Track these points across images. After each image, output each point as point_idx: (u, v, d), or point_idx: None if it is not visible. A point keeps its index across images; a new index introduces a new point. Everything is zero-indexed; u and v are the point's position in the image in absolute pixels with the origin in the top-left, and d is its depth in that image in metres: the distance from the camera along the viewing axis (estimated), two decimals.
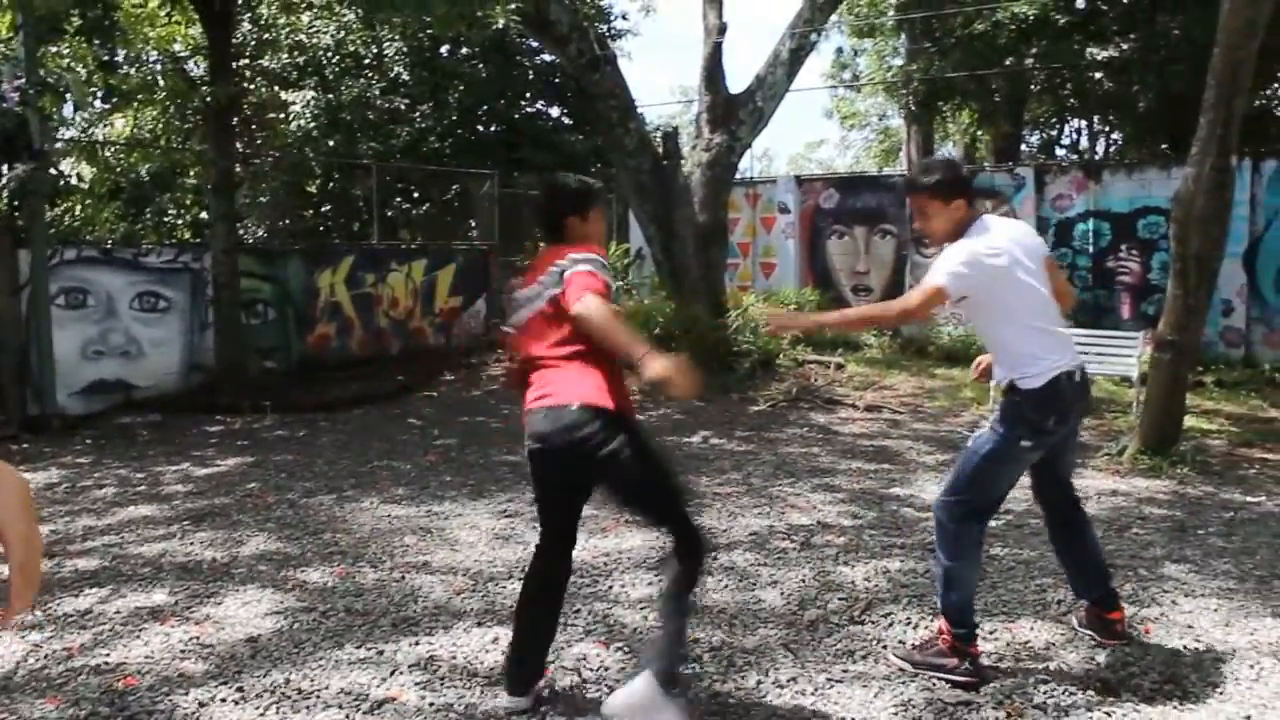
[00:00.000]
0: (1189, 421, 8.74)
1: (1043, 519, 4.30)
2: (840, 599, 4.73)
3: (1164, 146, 15.04)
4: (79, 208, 13.91)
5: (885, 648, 4.13)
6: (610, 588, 4.86)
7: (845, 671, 3.92)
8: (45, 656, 4.17)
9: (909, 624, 4.39)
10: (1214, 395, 11.02)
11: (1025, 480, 7.15)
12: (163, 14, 12.93)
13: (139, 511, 6.59)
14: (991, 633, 4.27)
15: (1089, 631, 4.20)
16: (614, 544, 5.59)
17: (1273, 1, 7.47)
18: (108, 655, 4.17)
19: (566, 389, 3.38)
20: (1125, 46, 15.69)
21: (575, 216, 3.62)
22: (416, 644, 4.23)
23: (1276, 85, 15.84)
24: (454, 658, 4.08)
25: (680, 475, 3.72)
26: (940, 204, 3.87)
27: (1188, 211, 7.64)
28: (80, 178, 14.42)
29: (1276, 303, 12.38)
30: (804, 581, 4.99)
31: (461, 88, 18.89)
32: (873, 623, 4.43)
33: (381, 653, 4.14)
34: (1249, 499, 6.76)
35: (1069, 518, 4.16)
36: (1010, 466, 3.88)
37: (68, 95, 10.30)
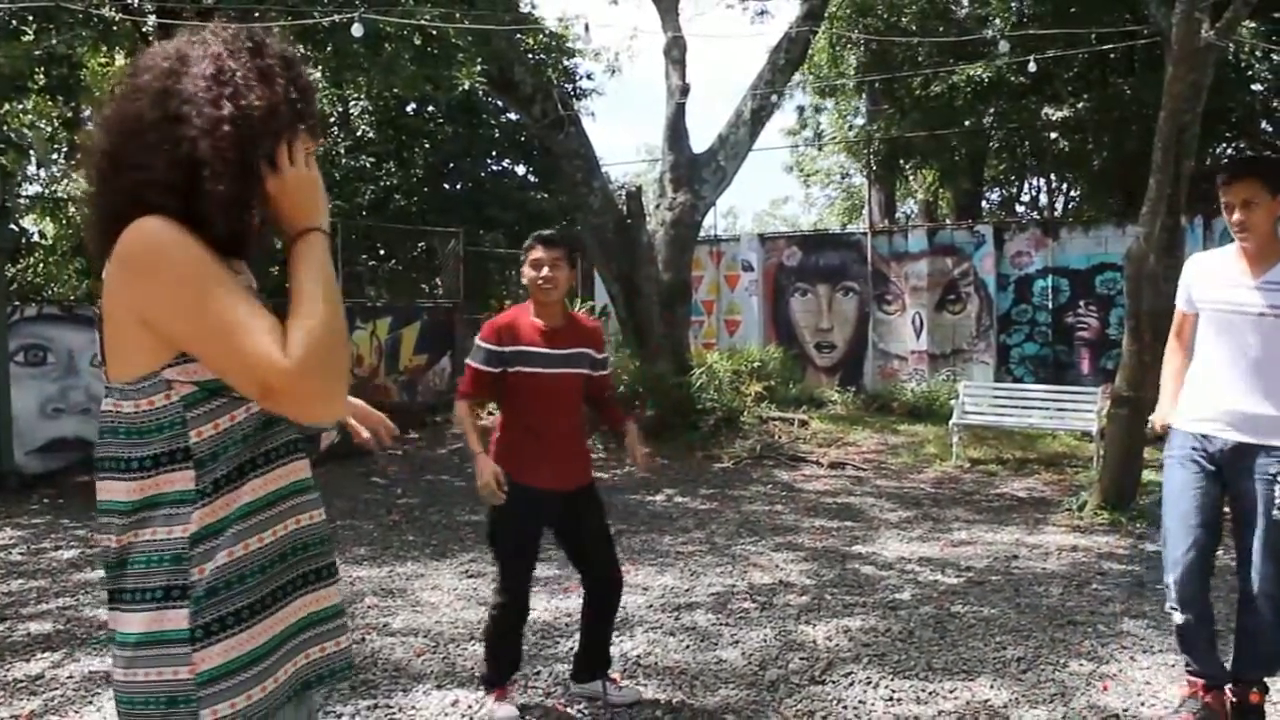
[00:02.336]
0: (1148, 476, 8.83)
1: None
2: (801, 659, 4.74)
3: (1119, 204, 15.33)
4: (41, 264, 13.83)
5: (846, 707, 4.13)
6: (571, 648, 4.83)
7: None
8: None
9: (869, 684, 4.40)
10: None
11: (985, 536, 7.21)
12: None
13: (96, 573, 6.47)
14: (951, 691, 4.28)
15: None
16: (575, 604, 5.54)
17: (1214, 68, 7.71)
18: None
19: None
20: (1079, 106, 16.04)
21: None
22: (375, 706, 4.18)
23: (1225, 146, 16.24)
24: None
25: (520, 563, 4.00)
26: (1269, 196, 3.67)
27: (1140, 269, 7.80)
28: (43, 235, 14.36)
29: None
30: (765, 641, 4.99)
31: (427, 146, 19.03)
32: (833, 682, 4.43)
33: (340, 716, 4.09)
34: None
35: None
36: None
37: (31, 152, 10.26)
